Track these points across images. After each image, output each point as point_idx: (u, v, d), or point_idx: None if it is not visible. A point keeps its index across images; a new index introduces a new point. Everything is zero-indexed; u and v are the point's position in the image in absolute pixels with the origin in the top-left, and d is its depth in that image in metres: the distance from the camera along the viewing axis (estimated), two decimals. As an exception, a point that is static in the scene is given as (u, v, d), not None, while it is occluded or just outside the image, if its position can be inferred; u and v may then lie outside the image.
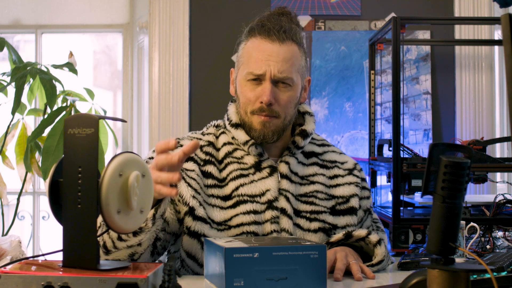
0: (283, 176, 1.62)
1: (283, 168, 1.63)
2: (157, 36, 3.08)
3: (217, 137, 1.68)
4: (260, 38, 1.58)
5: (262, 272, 1.23)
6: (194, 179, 1.57)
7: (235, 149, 1.65)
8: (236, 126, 1.64)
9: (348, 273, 1.50)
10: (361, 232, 1.55)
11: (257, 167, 1.62)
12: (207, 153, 1.64)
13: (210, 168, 1.61)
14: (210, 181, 1.59)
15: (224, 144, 1.66)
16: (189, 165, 1.59)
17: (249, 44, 1.61)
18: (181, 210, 1.55)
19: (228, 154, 1.64)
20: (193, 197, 1.54)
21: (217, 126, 1.72)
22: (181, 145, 1.63)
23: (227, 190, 1.59)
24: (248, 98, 1.59)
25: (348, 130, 3.06)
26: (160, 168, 1.29)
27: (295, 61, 1.59)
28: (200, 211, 1.53)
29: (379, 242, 1.54)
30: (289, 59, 1.57)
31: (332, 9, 3.09)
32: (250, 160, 1.63)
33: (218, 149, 1.66)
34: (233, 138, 1.65)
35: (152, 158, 1.60)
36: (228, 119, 1.67)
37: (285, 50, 1.57)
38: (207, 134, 1.70)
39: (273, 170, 1.62)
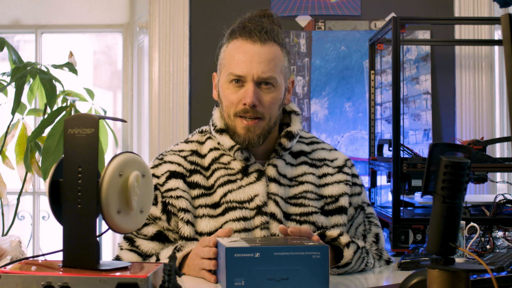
0: (271, 179, 1.59)
1: (270, 171, 1.61)
2: (157, 36, 3.07)
3: (202, 143, 1.66)
4: (241, 40, 1.57)
5: (263, 272, 1.23)
6: (180, 196, 1.56)
7: (222, 155, 1.63)
8: (220, 131, 1.62)
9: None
10: (333, 233, 1.52)
11: (244, 172, 1.60)
12: (192, 163, 1.62)
13: (196, 178, 1.59)
14: (197, 192, 1.58)
15: (211, 149, 1.64)
16: (172, 183, 1.58)
17: (231, 46, 1.59)
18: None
19: (215, 160, 1.62)
20: (180, 218, 1.54)
21: (202, 132, 1.70)
22: (165, 161, 1.63)
23: (215, 197, 1.58)
24: (230, 101, 1.57)
25: (348, 130, 3.06)
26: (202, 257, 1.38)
27: (277, 62, 1.57)
28: (185, 230, 1.53)
29: (347, 244, 1.49)
30: (272, 59, 1.55)
31: (332, 9, 3.08)
32: (237, 165, 1.61)
33: (203, 156, 1.64)
34: (218, 143, 1.64)
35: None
36: (213, 124, 1.65)
37: (267, 51, 1.55)
38: (191, 142, 1.68)
39: (261, 174, 1.60)
